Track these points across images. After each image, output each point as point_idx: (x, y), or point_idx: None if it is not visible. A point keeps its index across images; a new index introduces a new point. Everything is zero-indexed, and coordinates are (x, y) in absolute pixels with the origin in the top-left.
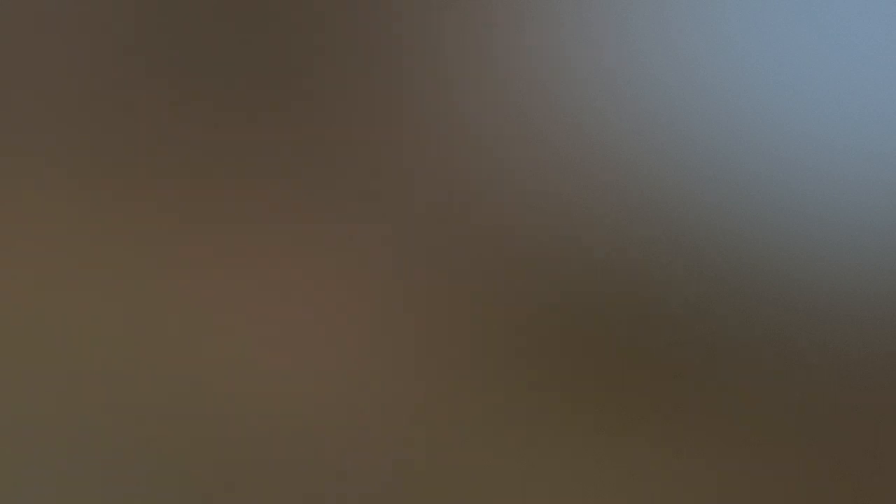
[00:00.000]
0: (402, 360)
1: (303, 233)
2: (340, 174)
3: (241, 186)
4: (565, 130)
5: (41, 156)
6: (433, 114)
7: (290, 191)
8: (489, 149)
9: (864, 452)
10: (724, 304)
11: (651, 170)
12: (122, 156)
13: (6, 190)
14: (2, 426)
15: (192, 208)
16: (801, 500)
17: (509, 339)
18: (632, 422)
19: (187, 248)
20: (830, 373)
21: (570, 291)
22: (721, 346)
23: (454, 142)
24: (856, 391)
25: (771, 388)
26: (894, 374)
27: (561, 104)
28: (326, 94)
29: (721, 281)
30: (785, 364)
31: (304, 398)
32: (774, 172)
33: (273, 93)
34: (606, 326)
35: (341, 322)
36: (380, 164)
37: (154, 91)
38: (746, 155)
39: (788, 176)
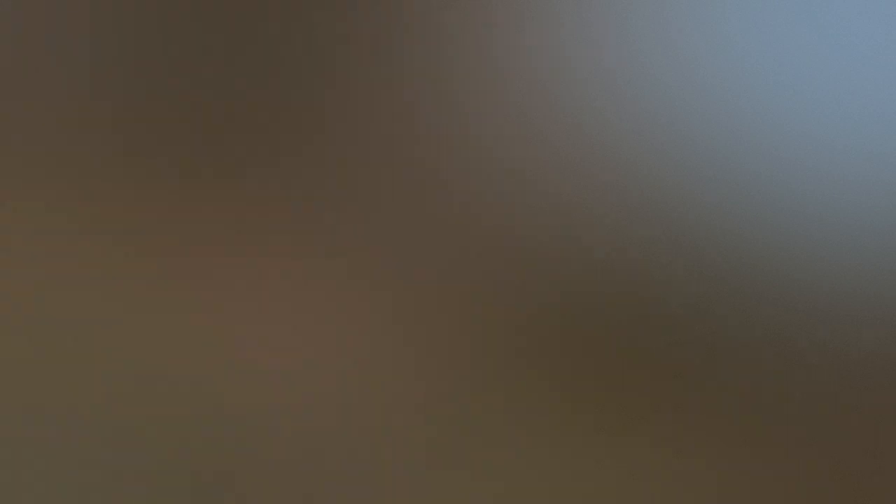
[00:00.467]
0: (402, 360)
1: (302, 233)
2: (339, 175)
3: (241, 187)
4: (565, 130)
5: (41, 157)
6: (433, 114)
7: (289, 191)
8: (489, 149)
9: (864, 452)
10: (724, 304)
11: (651, 170)
12: (121, 157)
13: (6, 190)
14: (2, 426)
15: (192, 209)
16: (801, 500)
17: (509, 339)
18: (632, 421)
19: (187, 249)
20: (830, 373)
21: (570, 291)
22: (721, 346)
23: (454, 142)
24: (856, 391)
25: (771, 388)
26: (894, 374)
27: (561, 104)
28: (326, 94)
29: (721, 281)
30: (785, 364)
31: (305, 398)
32: (774, 172)
33: (272, 94)
34: (606, 326)
35: (341, 322)
36: (379, 165)
37: (154, 92)
38: (746, 155)
39: (788, 176)
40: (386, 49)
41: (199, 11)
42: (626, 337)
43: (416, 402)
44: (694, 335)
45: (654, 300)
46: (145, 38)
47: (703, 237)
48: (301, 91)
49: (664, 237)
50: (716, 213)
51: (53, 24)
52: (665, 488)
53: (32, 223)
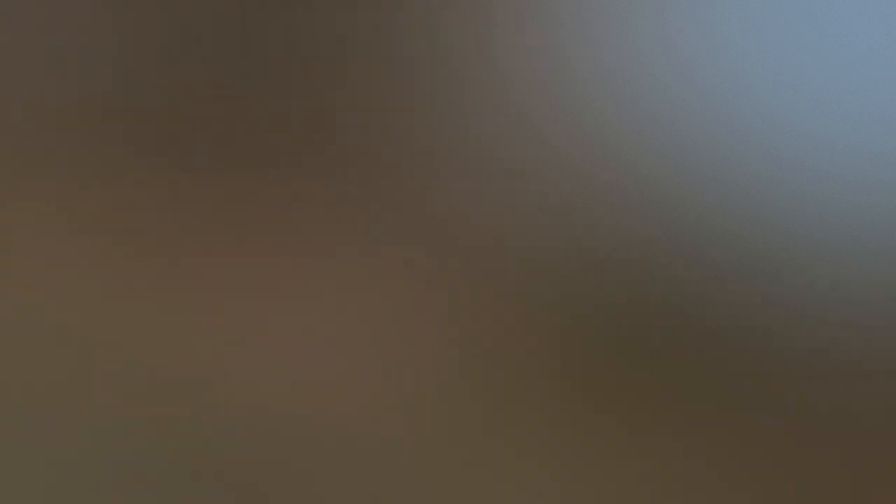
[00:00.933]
0: (402, 360)
1: (302, 233)
2: (339, 174)
3: (241, 187)
4: (565, 130)
5: (41, 157)
6: (433, 113)
7: (289, 192)
8: (489, 149)
9: (864, 452)
10: (723, 304)
11: (651, 170)
12: (121, 156)
13: (6, 190)
14: (1, 426)
15: (192, 209)
16: (801, 500)
17: (509, 339)
18: (631, 421)
19: (188, 249)
20: (830, 373)
21: (570, 291)
22: (721, 346)
23: (454, 142)
24: (856, 391)
25: (771, 388)
26: (894, 374)
27: (561, 104)
28: (325, 94)
29: (721, 281)
30: (785, 364)
31: (305, 398)
32: (774, 172)
33: (273, 94)
34: (606, 326)
35: (341, 322)
36: (378, 165)
37: (154, 91)
38: (746, 155)
39: (788, 176)
40: (386, 49)
41: (199, 11)
42: (626, 337)
43: (416, 402)
44: (694, 335)
45: (654, 300)
46: (145, 37)
47: (703, 237)
48: (301, 91)
49: (664, 237)
50: (716, 213)
51: (53, 24)
52: (664, 488)
53: (32, 223)
